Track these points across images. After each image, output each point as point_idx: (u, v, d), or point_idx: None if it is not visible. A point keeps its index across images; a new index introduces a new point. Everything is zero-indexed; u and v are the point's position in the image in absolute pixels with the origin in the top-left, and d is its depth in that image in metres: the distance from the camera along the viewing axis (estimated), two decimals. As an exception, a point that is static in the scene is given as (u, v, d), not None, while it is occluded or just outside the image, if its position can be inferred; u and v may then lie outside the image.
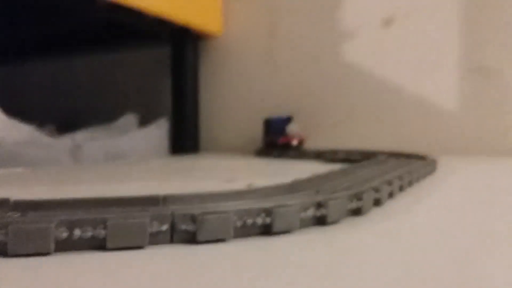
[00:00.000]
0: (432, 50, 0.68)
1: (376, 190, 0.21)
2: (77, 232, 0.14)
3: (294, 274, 0.12)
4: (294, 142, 0.60)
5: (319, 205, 0.18)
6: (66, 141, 0.63)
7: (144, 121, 0.80)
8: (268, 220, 0.16)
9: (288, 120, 0.62)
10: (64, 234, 0.14)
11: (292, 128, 0.60)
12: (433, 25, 0.68)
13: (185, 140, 0.80)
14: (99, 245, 0.14)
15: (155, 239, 0.15)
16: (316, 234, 0.17)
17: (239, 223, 0.16)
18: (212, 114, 0.86)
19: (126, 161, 0.63)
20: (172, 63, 0.80)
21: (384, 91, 0.68)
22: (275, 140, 0.61)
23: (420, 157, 0.43)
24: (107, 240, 0.14)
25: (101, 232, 0.14)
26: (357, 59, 0.71)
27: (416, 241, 0.17)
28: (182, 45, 0.79)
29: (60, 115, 1.04)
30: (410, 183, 0.28)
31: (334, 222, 0.18)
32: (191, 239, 0.15)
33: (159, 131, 0.77)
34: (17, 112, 0.59)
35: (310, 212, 0.17)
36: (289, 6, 0.78)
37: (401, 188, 0.26)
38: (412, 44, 0.69)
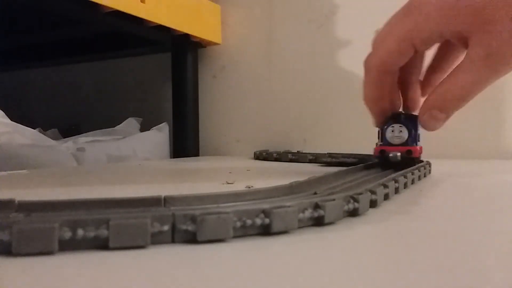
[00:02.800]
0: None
1: (372, 192, 0.22)
2: (80, 232, 0.14)
3: (292, 273, 0.13)
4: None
5: (316, 206, 0.18)
6: (69, 144, 0.63)
7: (146, 126, 0.80)
8: (267, 220, 0.16)
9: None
10: (68, 234, 0.14)
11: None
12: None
13: (185, 143, 0.80)
14: (102, 244, 0.14)
15: (157, 239, 0.15)
16: (314, 235, 0.17)
17: (238, 224, 0.16)
18: (212, 118, 0.86)
19: (128, 164, 0.64)
20: (173, 70, 0.81)
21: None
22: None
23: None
24: (109, 240, 0.14)
25: (103, 232, 0.14)
26: (352, 66, 0.71)
27: (411, 241, 0.17)
28: (183, 52, 0.80)
29: (64, 119, 1.04)
30: (406, 185, 0.28)
31: (331, 222, 0.18)
32: (192, 239, 0.15)
33: (160, 135, 0.77)
34: (22, 116, 0.60)
35: (308, 213, 0.18)
36: (286, 14, 0.79)
37: (396, 190, 0.26)
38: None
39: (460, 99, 0.29)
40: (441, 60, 0.35)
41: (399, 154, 0.33)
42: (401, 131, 0.34)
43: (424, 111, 0.30)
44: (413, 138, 0.35)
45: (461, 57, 0.29)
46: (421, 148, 0.38)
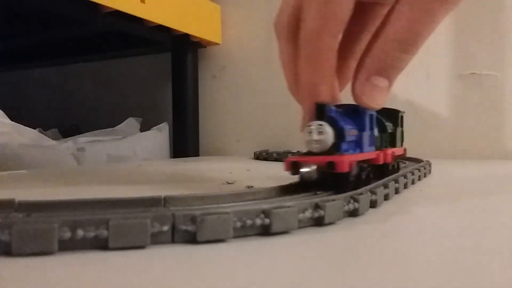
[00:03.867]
0: (423, 57, 0.68)
1: (372, 192, 0.22)
2: (80, 232, 0.14)
3: (292, 273, 0.13)
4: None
5: (317, 207, 0.18)
6: (69, 144, 0.63)
7: (146, 126, 0.80)
8: (267, 221, 0.16)
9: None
10: (67, 234, 0.14)
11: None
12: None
13: (185, 144, 0.80)
14: (102, 245, 0.14)
15: (156, 239, 0.15)
16: (314, 235, 0.17)
17: (238, 224, 0.16)
18: (212, 118, 0.86)
19: (128, 164, 0.64)
20: (173, 70, 0.81)
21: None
22: None
23: (415, 160, 0.43)
24: (109, 240, 0.14)
25: (103, 232, 0.14)
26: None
27: (411, 241, 0.17)
28: (183, 52, 0.80)
29: (64, 119, 1.04)
30: (406, 186, 0.28)
31: (331, 223, 0.18)
32: (192, 239, 0.15)
33: (160, 135, 0.77)
34: (22, 116, 0.60)
35: (308, 213, 0.18)
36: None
37: (396, 191, 0.26)
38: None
39: (405, 51, 0.21)
40: (357, 32, 0.26)
41: (314, 168, 0.21)
42: (321, 131, 0.22)
43: (359, 82, 0.22)
44: (351, 142, 0.23)
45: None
46: (391, 153, 0.28)
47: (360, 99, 0.23)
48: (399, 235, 0.18)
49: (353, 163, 0.22)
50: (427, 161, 0.41)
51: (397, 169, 0.31)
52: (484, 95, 0.65)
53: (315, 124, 0.22)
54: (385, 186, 0.24)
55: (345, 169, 0.21)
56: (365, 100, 0.22)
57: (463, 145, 0.67)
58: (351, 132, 0.23)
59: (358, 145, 0.24)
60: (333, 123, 0.22)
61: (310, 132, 0.22)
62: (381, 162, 0.26)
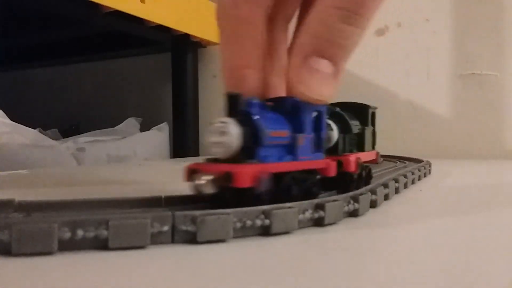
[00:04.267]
0: (424, 57, 0.68)
1: (373, 192, 0.22)
2: (80, 233, 0.14)
3: (292, 273, 0.13)
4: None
5: (317, 207, 0.18)
6: (69, 144, 0.63)
7: (146, 126, 0.81)
8: (267, 221, 0.16)
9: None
10: (67, 234, 0.14)
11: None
12: (425, 33, 0.68)
13: (185, 144, 0.80)
14: (102, 245, 0.14)
15: (156, 239, 0.15)
16: (314, 235, 0.17)
17: (238, 224, 0.16)
18: (212, 118, 0.86)
19: (128, 164, 0.64)
20: (173, 70, 0.81)
21: (378, 97, 0.68)
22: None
23: (416, 161, 0.43)
24: (109, 240, 0.14)
25: (103, 233, 0.14)
26: (351, 65, 0.71)
27: (410, 242, 0.17)
28: (183, 53, 0.80)
29: (64, 119, 1.04)
30: (406, 185, 0.28)
31: (331, 223, 0.18)
32: (192, 239, 0.15)
33: (160, 135, 0.77)
34: (22, 116, 0.60)
35: (308, 214, 0.18)
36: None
37: (397, 190, 0.26)
38: (405, 51, 0.69)
39: (350, 22, 0.16)
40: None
41: (210, 178, 0.17)
42: (223, 131, 0.17)
43: (293, 66, 0.17)
44: (278, 146, 0.19)
45: None
46: (355, 159, 0.22)
47: (296, 88, 0.17)
48: (399, 235, 0.18)
49: (264, 175, 0.17)
50: (427, 161, 0.41)
51: (367, 178, 0.25)
52: (484, 95, 0.65)
53: (217, 122, 0.17)
54: (385, 186, 0.24)
55: (246, 183, 0.16)
56: (303, 90, 0.17)
57: (463, 145, 0.67)
58: (274, 133, 0.18)
59: (290, 150, 0.19)
60: (248, 121, 0.17)
61: (210, 132, 0.17)
62: (332, 174, 0.20)
